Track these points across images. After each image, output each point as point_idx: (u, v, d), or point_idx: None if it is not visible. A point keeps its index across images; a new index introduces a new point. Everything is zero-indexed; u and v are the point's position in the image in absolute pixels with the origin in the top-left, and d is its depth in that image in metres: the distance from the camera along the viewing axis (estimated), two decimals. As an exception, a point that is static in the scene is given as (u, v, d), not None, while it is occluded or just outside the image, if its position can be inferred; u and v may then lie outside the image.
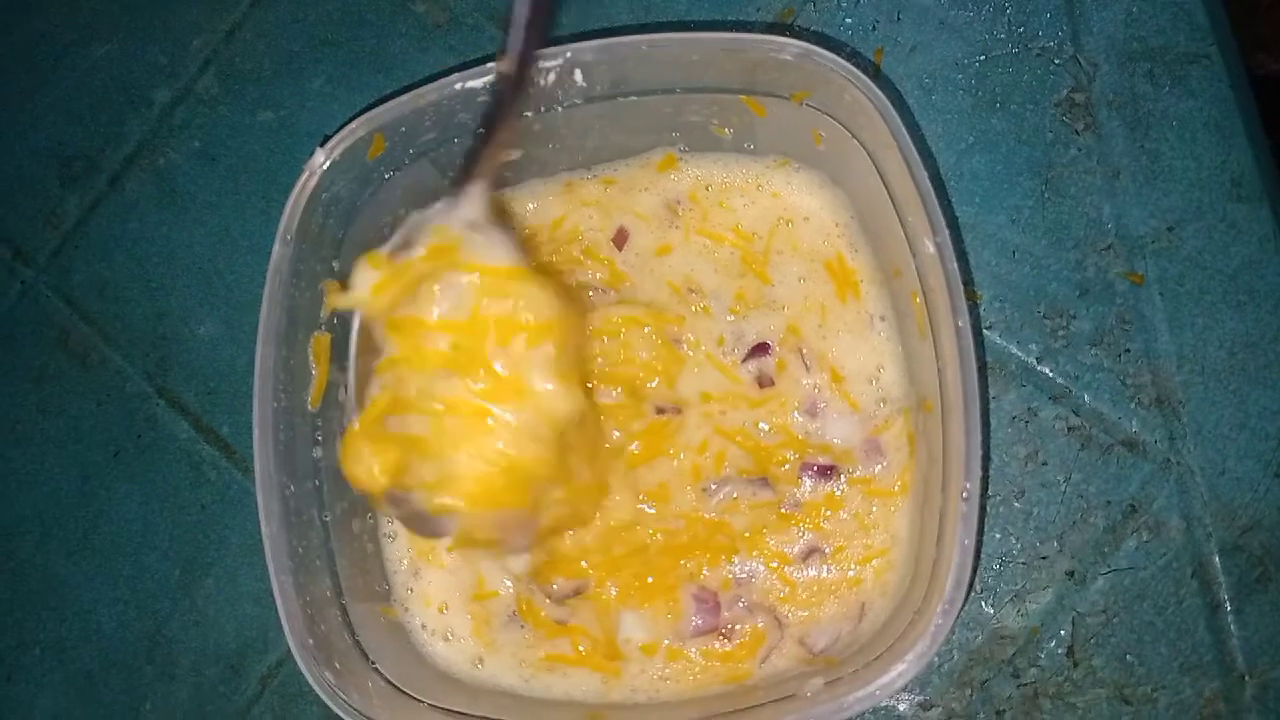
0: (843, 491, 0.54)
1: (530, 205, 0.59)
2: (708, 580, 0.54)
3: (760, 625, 0.53)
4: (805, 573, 0.53)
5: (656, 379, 0.56)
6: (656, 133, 0.56)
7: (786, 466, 0.54)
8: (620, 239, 0.58)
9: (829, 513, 0.54)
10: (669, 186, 0.58)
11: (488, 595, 0.55)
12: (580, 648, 0.54)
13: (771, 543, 0.54)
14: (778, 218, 0.57)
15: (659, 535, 0.54)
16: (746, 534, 0.54)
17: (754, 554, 0.54)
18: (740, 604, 0.53)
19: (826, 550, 0.53)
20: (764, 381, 0.56)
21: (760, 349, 0.56)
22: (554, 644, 0.54)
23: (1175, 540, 0.55)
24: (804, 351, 0.56)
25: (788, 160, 0.57)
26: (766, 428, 0.55)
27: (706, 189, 0.58)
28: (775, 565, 0.54)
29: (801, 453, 0.54)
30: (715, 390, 0.56)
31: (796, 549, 0.54)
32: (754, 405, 0.55)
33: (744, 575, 0.54)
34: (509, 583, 0.55)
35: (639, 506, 0.55)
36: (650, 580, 0.54)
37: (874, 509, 0.53)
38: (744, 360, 0.56)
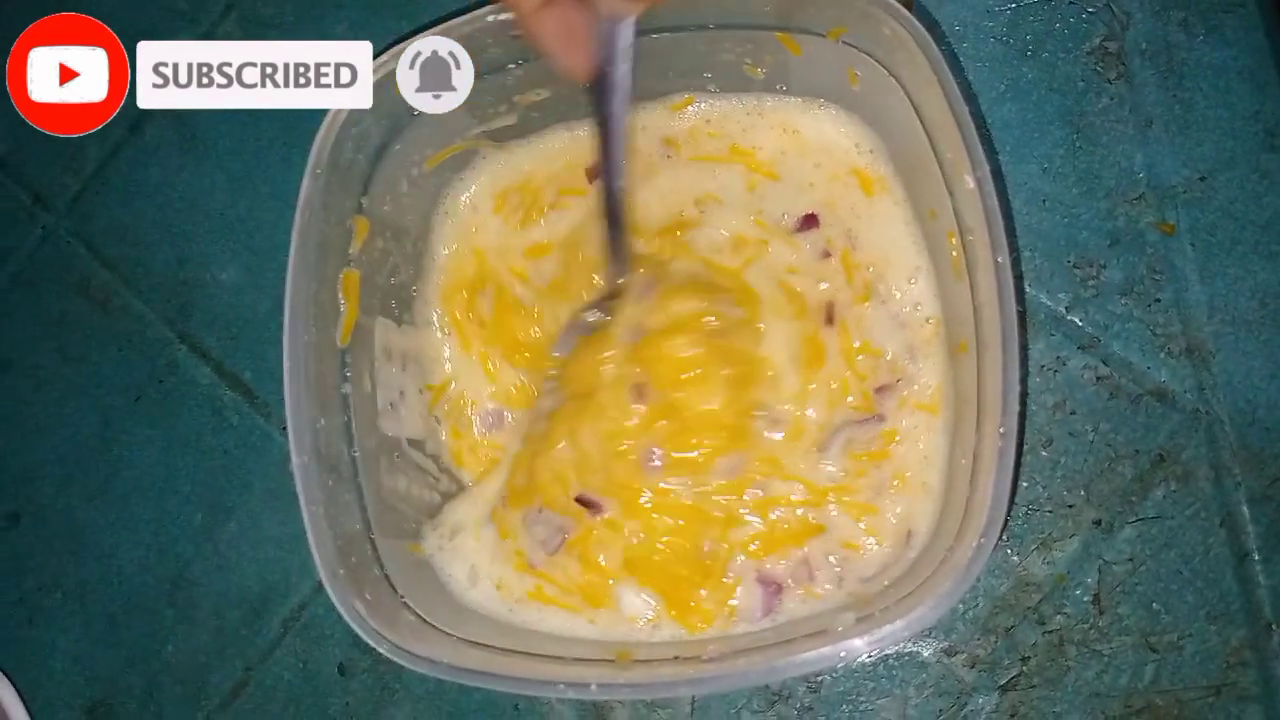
0: (900, 404, 0.52)
1: (525, 166, 0.58)
2: (772, 566, 0.51)
3: (824, 585, 0.51)
4: (875, 513, 0.52)
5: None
6: (687, 74, 0.55)
7: (861, 397, 0.53)
8: (596, 171, 0.57)
9: (893, 447, 0.52)
10: (671, 125, 0.57)
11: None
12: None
13: (857, 484, 0.52)
14: (782, 128, 0.56)
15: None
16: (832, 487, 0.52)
17: (834, 504, 0.52)
18: (799, 562, 0.52)
19: (889, 482, 0.52)
20: (824, 252, 0.54)
21: (809, 221, 0.54)
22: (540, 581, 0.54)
23: (1204, 490, 0.55)
24: (846, 228, 0.54)
25: (816, 101, 0.56)
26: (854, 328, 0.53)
27: (707, 122, 0.57)
28: (848, 512, 0.52)
29: (862, 361, 0.53)
30: (791, 262, 0.54)
31: (866, 494, 0.52)
32: (820, 278, 0.54)
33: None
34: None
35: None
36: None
37: (917, 426, 0.52)
38: (796, 231, 0.54)
